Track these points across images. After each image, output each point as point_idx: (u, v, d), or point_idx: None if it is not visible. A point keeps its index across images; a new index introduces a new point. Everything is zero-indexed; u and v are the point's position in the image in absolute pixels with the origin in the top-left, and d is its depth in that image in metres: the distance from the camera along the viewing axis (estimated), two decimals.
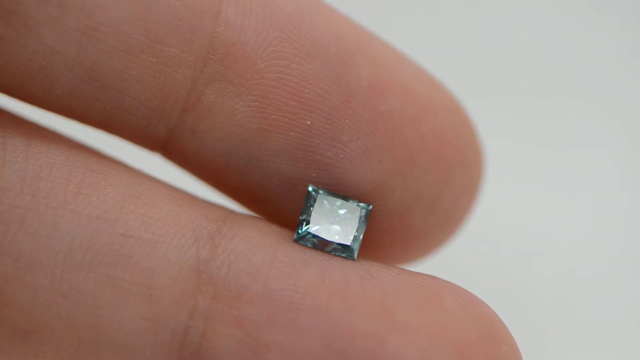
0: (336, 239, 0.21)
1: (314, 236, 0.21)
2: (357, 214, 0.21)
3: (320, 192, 0.21)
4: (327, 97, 0.21)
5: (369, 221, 0.22)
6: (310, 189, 0.21)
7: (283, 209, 0.22)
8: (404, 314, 0.19)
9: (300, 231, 0.21)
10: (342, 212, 0.21)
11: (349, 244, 0.21)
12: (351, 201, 0.21)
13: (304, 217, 0.21)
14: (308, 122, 0.21)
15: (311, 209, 0.21)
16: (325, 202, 0.21)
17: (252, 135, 0.21)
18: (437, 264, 0.25)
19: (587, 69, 0.42)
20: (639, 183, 0.40)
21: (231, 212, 0.21)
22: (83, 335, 0.20)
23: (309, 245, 0.21)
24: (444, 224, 0.23)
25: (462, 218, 0.23)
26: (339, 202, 0.21)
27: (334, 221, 0.21)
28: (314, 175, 0.21)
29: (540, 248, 0.37)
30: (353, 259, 0.21)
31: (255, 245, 0.20)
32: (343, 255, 0.21)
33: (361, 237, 0.21)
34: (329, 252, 0.21)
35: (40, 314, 0.19)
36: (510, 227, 0.37)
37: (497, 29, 0.43)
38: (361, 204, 0.21)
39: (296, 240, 0.21)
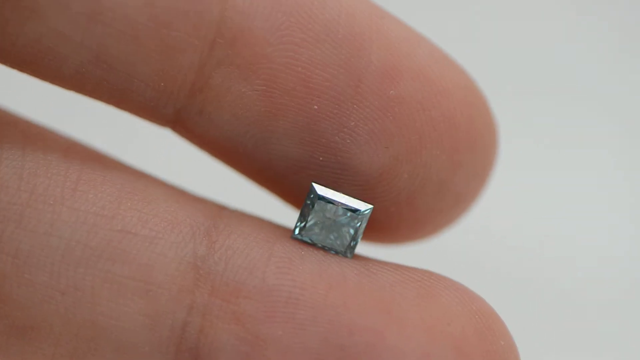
0: (334, 238, 0.21)
1: (312, 233, 0.21)
2: (357, 213, 0.21)
3: (322, 189, 0.21)
4: (335, 82, 0.20)
5: (375, 204, 0.21)
6: (312, 185, 0.21)
7: (291, 189, 0.22)
8: (401, 308, 0.19)
9: (298, 228, 0.21)
10: (341, 210, 0.21)
11: (346, 243, 0.21)
12: (352, 199, 0.21)
13: (304, 213, 0.21)
14: (315, 107, 0.21)
15: (311, 206, 0.21)
16: (325, 200, 0.21)
17: (259, 119, 0.21)
18: (435, 259, 0.25)
19: (589, 68, 0.42)
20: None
21: (228, 208, 0.21)
22: (81, 332, 0.20)
23: (307, 240, 0.21)
24: (454, 204, 0.22)
25: (472, 199, 0.23)
26: (339, 200, 0.21)
27: (333, 219, 0.21)
28: (320, 159, 0.21)
29: (538, 243, 0.37)
30: (349, 258, 0.21)
31: (253, 241, 0.20)
32: (340, 254, 0.21)
33: (359, 237, 0.21)
34: (325, 250, 0.21)
35: (39, 310, 0.19)
36: (508, 223, 0.37)
37: (498, 28, 0.43)
38: (361, 204, 0.21)
39: (294, 237, 0.21)
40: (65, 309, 0.19)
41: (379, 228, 0.22)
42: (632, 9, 0.44)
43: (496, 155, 0.23)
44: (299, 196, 0.22)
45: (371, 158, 0.21)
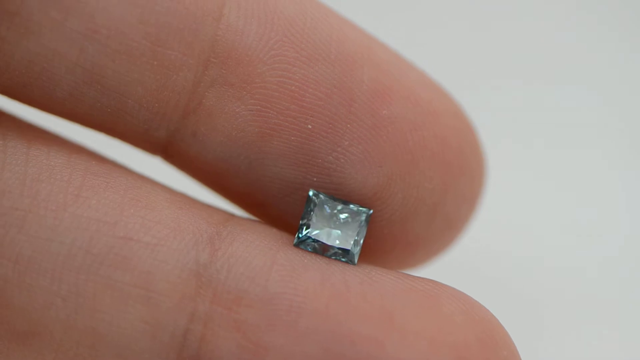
0: (336, 243, 0.21)
1: (314, 240, 0.21)
2: (358, 218, 0.21)
3: (321, 196, 0.21)
4: (329, 102, 0.21)
5: (369, 226, 0.21)
6: (310, 193, 0.21)
7: (284, 213, 0.22)
8: (403, 318, 0.19)
9: (300, 235, 0.21)
10: (342, 216, 0.21)
11: (349, 248, 0.21)
12: (352, 205, 0.21)
13: (304, 221, 0.21)
14: (309, 126, 0.21)
15: (312, 213, 0.21)
16: (325, 206, 0.21)
17: (253, 139, 0.21)
18: (437, 268, 0.25)
19: (589, 69, 0.42)
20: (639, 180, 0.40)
21: (231, 215, 0.21)
22: (82, 338, 0.20)
23: (309, 249, 0.21)
24: (445, 229, 0.23)
25: (464, 223, 0.23)
26: (339, 206, 0.21)
27: (334, 225, 0.21)
28: (315, 179, 0.21)
29: (541, 252, 0.37)
30: (353, 264, 0.21)
31: (255, 249, 0.20)
32: (343, 259, 0.21)
33: (361, 241, 0.21)
34: (329, 257, 0.21)
35: (40, 316, 0.19)
36: (510, 231, 0.37)
37: (497, 26, 0.43)
38: (362, 209, 0.21)
39: (296, 245, 0.21)
40: (66, 315, 0.19)
41: (373, 251, 0.22)
42: (632, 7, 0.44)
43: (485, 182, 0.23)
44: (292, 218, 0.22)
45: (365, 177, 0.21)
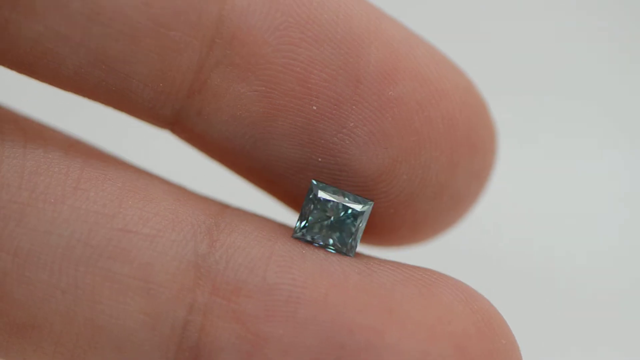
0: (335, 236, 0.21)
1: (313, 233, 0.21)
2: (358, 211, 0.21)
3: (322, 186, 0.21)
4: (334, 83, 0.20)
5: (374, 205, 0.21)
6: (313, 183, 0.21)
7: (291, 191, 0.22)
8: (402, 307, 0.19)
9: (299, 227, 0.21)
10: (342, 208, 0.21)
11: (347, 241, 0.21)
12: (353, 197, 0.21)
13: (304, 211, 0.21)
14: (314, 108, 0.21)
15: (312, 204, 0.21)
16: (326, 197, 0.21)
17: (258, 119, 0.21)
18: (437, 257, 0.25)
19: (590, 68, 0.42)
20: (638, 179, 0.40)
21: (229, 206, 0.21)
22: (82, 330, 0.20)
23: (308, 239, 0.21)
24: (454, 206, 0.22)
25: (473, 200, 0.23)
26: (340, 197, 0.21)
27: (334, 217, 0.21)
28: (319, 160, 0.21)
29: (540, 242, 0.37)
30: (351, 257, 0.21)
31: (254, 240, 0.20)
32: (341, 252, 0.21)
33: (360, 234, 0.21)
34: (327, 249, 0.21)
35: (39, 309, 0.19)
36: (510, 221, 0.37)
37: (498, 28, 0.43)
38: (363, 200, 0.21)
39: (295, 236, 0.21)
40: (65, 307, 0.19)
41: (379, 230, 0.22)
42: (632, 8, 0.44)
43: (495, 157, 0.23)
44: (298, 198, 0.22)
45: (370, 159, 0.21)
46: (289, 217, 0.23)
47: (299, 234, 0.21)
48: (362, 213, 0.21)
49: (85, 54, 0.19)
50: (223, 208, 0.21)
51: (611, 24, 0.44)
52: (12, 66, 0.20)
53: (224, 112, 0.21)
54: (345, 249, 0.21)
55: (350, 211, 0.21)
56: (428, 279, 0.20)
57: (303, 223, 0.21)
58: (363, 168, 0.21)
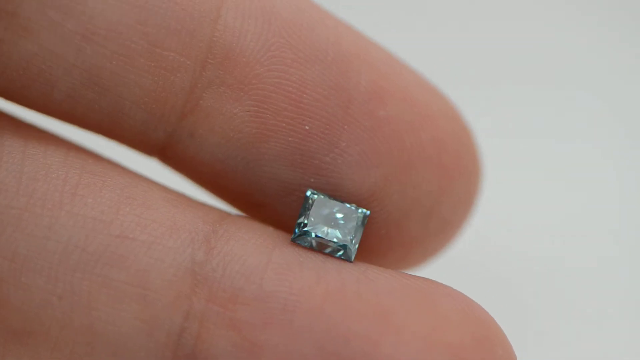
0: (334, 239, 0.21)
1: (312, 236, 0.21)
2: (355, 218, 0.21)
3: (319, 195, 0.21)
4: (326, 103, 0.21)
5: (366, 227, 0.22)
6: (308, 192, 0.21)
7: (281, 214, 0.22)
8: (399, 316, 0.19)
9: (297, 232, 0.21)
10: (339, 215, 0.21)
11: (347, 244, 0.21)
12: (349, 205, 0.21)
13: (301, 219, 0.21)
14: (306, 127, 0.21)
15: (308, 212, 0.21)
16: (322, 205, 0.21)
17: (250, 140, 0.21)
18: (434, 267, 0.25)
19: (590, 69, 0.42)
20: (637, 178, 0.39)
21: (227, 214, 0.21)
22: (78, 337, 0.20)
23: (307, 245, 0.21)
24: (441, 230, 0.23)
25: (460, 225, 0.23)
26: (336, 206, 0.21)
27: (332, 225, 0.21)
28: (312, 180, 0.21)
29: (539, 252, 0.37)
30: (350, 260, 0.21)
31: (251, 247, 0.20)
32: (342, 257, 0.21)
33: (358, 240, 0.21)
34: (326, 253, 0.21)
35: (36, 315, 0.19)
36: (507, 230, 0.37)
37: (494, 24, 0.43)
38: (359, 209, 0.21)
39: (294, 240, 0.21)
40: (62, 313, 0.19)
41: (370, 254, 0.22)
42: (632, 7, 0.44)
43: (481, 185, 0.23)
44: (290, 220, 0.22)
45: (362, 178, 0.21)
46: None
47: (297, 238, 0.21)
48: (359, 219, 0.21)
49: (79, 75, 0.20)
50: (221, 215, 0.21)
51: (612, 24, 0.44)
52: (4, 92, 0.20)
53: (216, 134, 0.21)
54: (344, 254, 0.21)
55: (347, 218, 0.21)
56: (425, 289, 0.20)
57: (301, 228, 0.21)
58: (355, 187, 0.21)
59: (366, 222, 0.21)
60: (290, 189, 0.21)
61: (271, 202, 0.22)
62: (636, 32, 0.43)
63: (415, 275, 0.21)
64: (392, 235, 0.22)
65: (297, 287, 0.20)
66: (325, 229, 0.21)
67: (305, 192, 0.21)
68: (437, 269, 0.25)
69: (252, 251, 0.20)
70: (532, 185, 0.38)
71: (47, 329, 0.19)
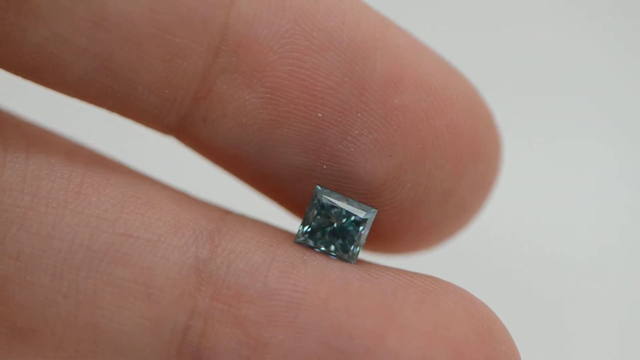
0: (337, 242, 0.21)
1: (315, 238, 0.21)
2: (361, 218, 0.21)
3: (326, 193, 0.21)
4: (340, 90, 0.21)
5: (378, 213, 0.21)
6: (317, 188, 0.21)
7: (295, 198, 0.22)
8: (402, 313, 0.19)
9: (301, 232, 0.21)
10: (345, 215, 0.21)
11: (349, 248, 0.21)
12: (357, 203, 0.21)
13: (307, 216, 0.21)
14: (319, 115, 0.21)
15: (315, 209, 0.21)
16: (330, 202, 0.21)
17: (263, 126, 0.21)
18: (437, 263, 0.25)
19: (590, 68, 0.42)
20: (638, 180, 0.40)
21: (231, 212, 0.21)
22: (83, 335, 0.20)
23: (310, 245, 0.21)
24: (458, 214, 0.22)
25: (478, 208, 0.23)
26: (344, 203, 0.21)
27: (337, 223, 0.21)
28: (324, 167, 0.21)
29: (542, 249, 0.37)
30: (352, 264, 0.21)
31: (255, 245, 0.20)
32: (343, 259, 0.21)
33: (363, 241, 0.21)
34: (328, 255, 0.21)
35: (40, 313, 0.19)
36: (511, 227, 0.37)
37: (498, 27, 0.43)
38: (366, 208, 0.21)
39: (297, 241, 0.21)
40: (66, 311, 0.19)
41: (383, 237, 0.22)
42: (633, 8, 0.44)
43: (500, 165, 0.23)
44: (302, 205, 0.22)
45: (375, 166, 0.21)
46: (291, 223, 0.23)
47: (301, 239, 0.21)
48: (365, 220, 0.21)
49: (91, 60, 0.20)
50: (225, 214, 0.21)
51: (613, 23, 0.44)
52: (17, 71, 0.20)
53: (229, 119, 0.21)
54: (347, 256, 0.21)
55: (353, 218, 0.21)
56: (428, 286, 0.20)
57: (306, 228, 0.21)
58: (368, 175, 0.21)
59: (373, 219, 0.21)
60: (303, 174, 0.21)
61: (284, 186, 0.22)
62: (636, 32, 0.44)
63: (418, 273, 0.21)
64: (407, 221, 0.22)
65: (301, 285, 0.20)
66: (329, 227, 0.21)
67: (317, 178, 0.21)
68: (440, 266, 0.25)
69: (256, 249, 0.20)
70: (535, 182, 0.38)
71: (52, 327, 0.20)
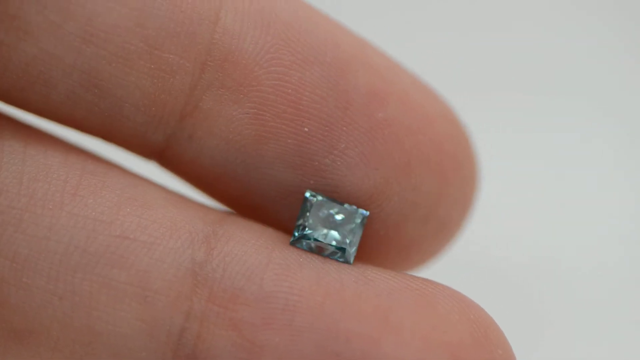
0: (333, 242, 0.21)
1: (311, 239, 0.21)
2: (354, 219, 0.21)
3: (318, 197, 0.21)
4: (325, 104, 0.21)
5: (365, 228, 0.22)
6: (307, 194, 0.21)
7: (280, 216, 0.22)
8: (398, 316, 0.19)
9: (296, 235, 0.21)
10: (338, 217, 0.21)
11: (345, 247, 0.21)
12: (348, 206, 0.21)
13: (301, 221, 0.21)
14: (306, 129, 0.21)
15: (308, 213, 0.21)
16: (322, 207, 0.21)
17: (249, 142, 0.21)
18: (433, 267, 0.25)
19: (590, 68, 0.42)
20: (637, 181, 0.40)
21: (227, 214, 0.22)
22: (79, 337, 0.20)
23: (305, 248, 0.21)
24: (440, 232, 0.23)
25: (457, 227, 0.23)
26: (336, 207, 0.21)
27: (331, 226, 0.21)
28: (311, 182, 0.21)
29: (538, 252, 0.37)
30: (349, 263, 0.21)
31: (251, 248, 0.20)
32: (340, 259, 0.21)
33: (357, 241, 0.21)
34: (325, 256, 0.21)
35: (36, 315, 0.19)
36: (506, 230, 0.37)
37: (495, 27, 0.43)
38: (358, 210, 0.21)
39: (293, 243, 0.21)
40: (63, 313, 0.19)
41: (368, 255, 0.22)
42: (632, 8, 0.44)
43: (478, 187, 0.23)
44: (290, 222, 0.22)
45: (362, 180, 0.21)
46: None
47: (296, 242, 0.21)
48: (358, 221, 0.21)
49: (78, 77, 0.20)
50: (221, 216, 0.21)
51: (612, 23, 0.44)
52: (3, 94, 0.20)
53: (216, 136, 0.21)
54: (343, 257, 0.21)
55: (346, 218, 0.21)
56: (424, 289, 0.20)
57: (300, 231, 0.21)
58: (355, 189, 0.21)
59: (365, 222, 0.21)
60: (289, 191, 0.21)
61: (270, 204, 0.22)
62: (637, 33, 0.44)
63: (415, 276, 0.21)
64: (391, 237, 0.22)
65: (297, 287, 0.20)
66: (324, 231, 0.21)
67: (304, 194, 0.21)
68: (436, 269, 0.25)
69: (252, 251, 0.20)
70: (530, 185, 0.38)
71: (48, 329, 0.20)
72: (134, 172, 0.21)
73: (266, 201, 0.22)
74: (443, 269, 0.26)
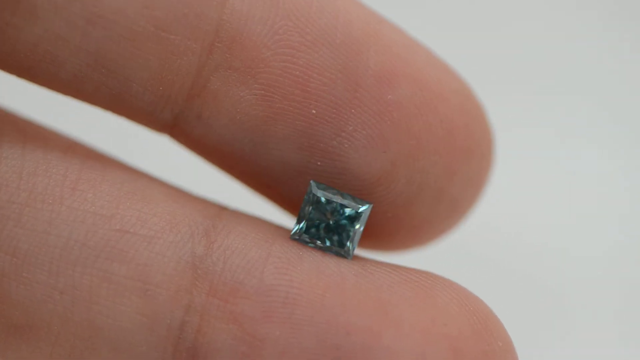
0: (333, 237, 0.21)
1: (311, 235, 0.21)
2: (357, 212, 0.21)
3: (321, 188, 0.21)
4: (333, 87, 0.21)
5: (373, 209, 0.21)
6: (311, 184, 0.21)
7: (289, 195, 0.22)
8: (398, 309, 0.20)
9: (297, 228, 0.21)
10: (340, 210, 0.21)
11: (345, 243, 0.21)
12: (351, 198, 0.21)
13: (303, 213, 0.21)
14: (313, 111, 0.21)
15: (310, 206, 0.21)
16: (325, 198, 0.21)
17: (257, 123, 0.21)
18: (433, 258, 0.25)
19: (590, 68, 0.42)
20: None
21: (227, 208, 0.22)
22: (79, 331, 0.20)
23: (306, 241, 0.21)
24: (451, 211, 0.23)
25: (470, 205, 0.23)
26: (339, 198, 0.21)
27: (333, 219, 0.21)
28: (318, 163, 0.21)
29: (538, 244, 0.37)
30: (349, 259, 0.21)
31: (251, 241, 0.20)
32: (339, 254, 0.21)
33: (359, 236, 0.21)
34: (324, 251, 0.21)
35: (37, 309, 0.19)
36: (507, 222, 0.37)
37: (500, 26, 0.43)
38: (361, 202, 0.21)
39: (293, 237, 0.21)
40: (63, 308, 0.19)
41: (377, 234, 0.22)
42: (632, 8, 0.44)
43: (492, 162, 0.23)
44: (297, 201, 0.22)
45: (369, 163, 0.21)
46: (287, 219, 0.23)
47: (296, 235, 0.21)
48: (360, 215, 0.21)
49: (85, 57, 0.20)
50: (221, 210, 0.21)
51: (612, 22, 0.44)
52: (11, 70, 0.20)
53: (224, 116, 0.21)
54: (343, 252, 0.21)
55: (348, 213, 0.21)
56: (424, 281, 0.20)
57: (301, 224, 0.21)
58: (362, 172, 0.21)
59: (368, 214, 0.21)
60: (296, 171, 0.21)
61: (279, 184, 0.22)
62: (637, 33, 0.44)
63: (414, 268, 0.21)
64: (400, 218, 0.22)
65: (297, 281, 0.20)
66: (325, 223, 0.21)
67: (311, 175, 0.21)
68: (436, 261, 0.25)
69: (252, 245, 0.20)
70: (532, 178, 0.38)
71: (48, 324, 0.20)
72: (134, 167, 0.21)
73: (274, 181, 0.22)
74: (442, 261, 0.26)
